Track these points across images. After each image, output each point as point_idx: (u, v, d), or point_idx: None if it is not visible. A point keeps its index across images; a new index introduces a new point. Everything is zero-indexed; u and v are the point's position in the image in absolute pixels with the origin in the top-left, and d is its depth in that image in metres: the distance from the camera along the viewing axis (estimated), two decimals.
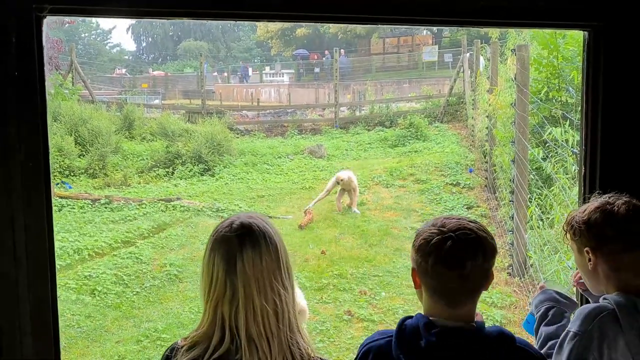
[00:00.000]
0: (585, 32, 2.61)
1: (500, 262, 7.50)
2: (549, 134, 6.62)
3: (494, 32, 16.09)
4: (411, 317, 1.68)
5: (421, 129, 14.98)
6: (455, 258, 1.60)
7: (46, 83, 2.18)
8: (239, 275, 1.60)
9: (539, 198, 6.90)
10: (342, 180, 9.99)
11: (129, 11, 2.33)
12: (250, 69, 36.94)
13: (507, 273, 7.31)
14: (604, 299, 1.91)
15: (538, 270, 5.99)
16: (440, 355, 1.59)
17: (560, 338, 1.89)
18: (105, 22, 54.81)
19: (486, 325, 1.69)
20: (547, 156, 6.78)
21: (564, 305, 2.13)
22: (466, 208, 9.88)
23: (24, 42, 2.03)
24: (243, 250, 1.61)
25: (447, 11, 2.49)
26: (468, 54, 16.98)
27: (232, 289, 1.60)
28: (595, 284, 2.02)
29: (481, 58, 14.66)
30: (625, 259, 1.94)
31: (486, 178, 10.94)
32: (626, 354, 1.81)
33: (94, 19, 48.36)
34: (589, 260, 1.97)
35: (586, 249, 1.98)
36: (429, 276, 1.64)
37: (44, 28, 2.14)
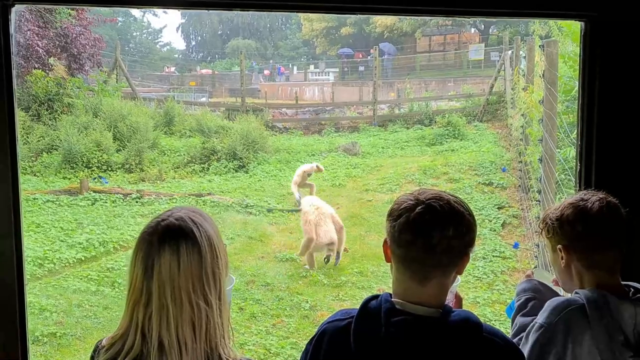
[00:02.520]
0: (582, 23, 2.51)
1: (527, 264, 7.33)
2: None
3: (538, 29, 15.67)
4: (377, 296, 1.56)
5: (459, 127, 14.71)
6: (422, 225, 1.50)
7: (14, 72, 2.20)
8: (155, 280, 1.50)
9: None
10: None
11: None
12: (295, 67, 37.21)
13: None
14: (576, 293, 1.85)
15: None
16: (399, 347, 1.46)
17: (528, 329, 1.83)
18: (156, 21, 56.00)
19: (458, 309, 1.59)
20: None
21: (547, 297, 2.04)
22: (497, 208, 9.64)
23: None
24: (161, 254, 1.51)
25: (435, 1, 2.42)
26: (510, 52, 16.60)
27: (148, 294, 1.51)
28: (568, 282, 1.94)
29: (522, 55, 14.32)
30: (598, 257, 1.85)
31: (520, 178, 10.67)
32: (592, 350, 1.72)
33: (145, 19, 49.44)
34: (562, 258, 1.89)
35: (559, 246, 1.91)
36: (397, 244, 1.54)
37: (12, 17, 2.16)
